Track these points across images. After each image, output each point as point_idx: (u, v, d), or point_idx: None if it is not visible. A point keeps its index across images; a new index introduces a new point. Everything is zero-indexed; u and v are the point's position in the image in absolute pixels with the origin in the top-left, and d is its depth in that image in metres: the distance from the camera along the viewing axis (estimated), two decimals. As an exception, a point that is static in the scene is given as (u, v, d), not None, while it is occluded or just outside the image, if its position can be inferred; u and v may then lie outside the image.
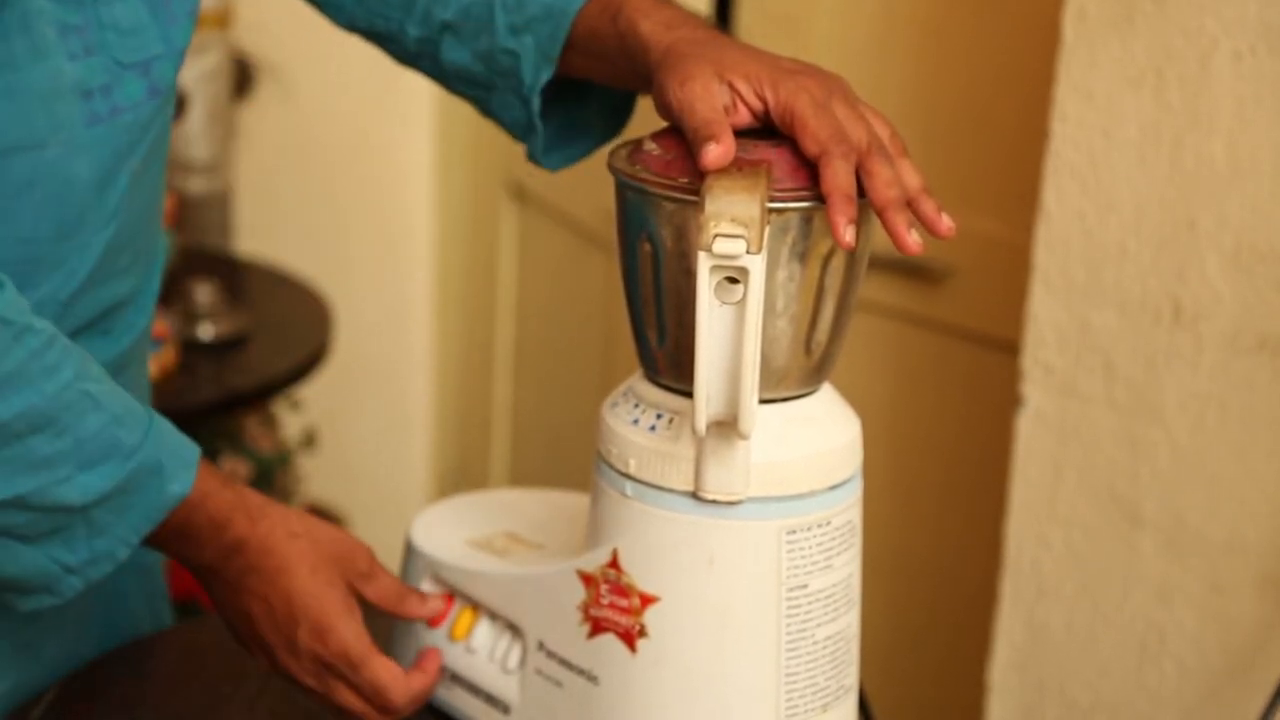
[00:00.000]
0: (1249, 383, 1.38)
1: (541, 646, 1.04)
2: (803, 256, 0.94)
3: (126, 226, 1.05)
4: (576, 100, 1.14)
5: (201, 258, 2.35)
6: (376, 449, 2.79)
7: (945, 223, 0.94)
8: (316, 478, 2.64)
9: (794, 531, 0.96)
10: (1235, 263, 1.37)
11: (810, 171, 0.93)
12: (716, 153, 0.91)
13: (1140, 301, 1.42)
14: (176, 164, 2.44)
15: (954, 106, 1.85)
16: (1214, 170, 1.36)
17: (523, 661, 1.06)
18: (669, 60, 0.97)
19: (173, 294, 2.13)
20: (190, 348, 2.09)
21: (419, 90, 2.40)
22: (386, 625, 1.13)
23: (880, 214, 0.92)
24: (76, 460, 0.95)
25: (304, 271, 2.38)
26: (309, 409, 2.55)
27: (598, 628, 1.00)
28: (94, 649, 1.19)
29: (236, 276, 2.32)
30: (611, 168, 0.97)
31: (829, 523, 0.98)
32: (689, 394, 0.92)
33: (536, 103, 1.10)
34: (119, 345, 1.11)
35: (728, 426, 0.92)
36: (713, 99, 0.94)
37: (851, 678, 1.03)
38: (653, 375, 0.99)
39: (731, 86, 0.95)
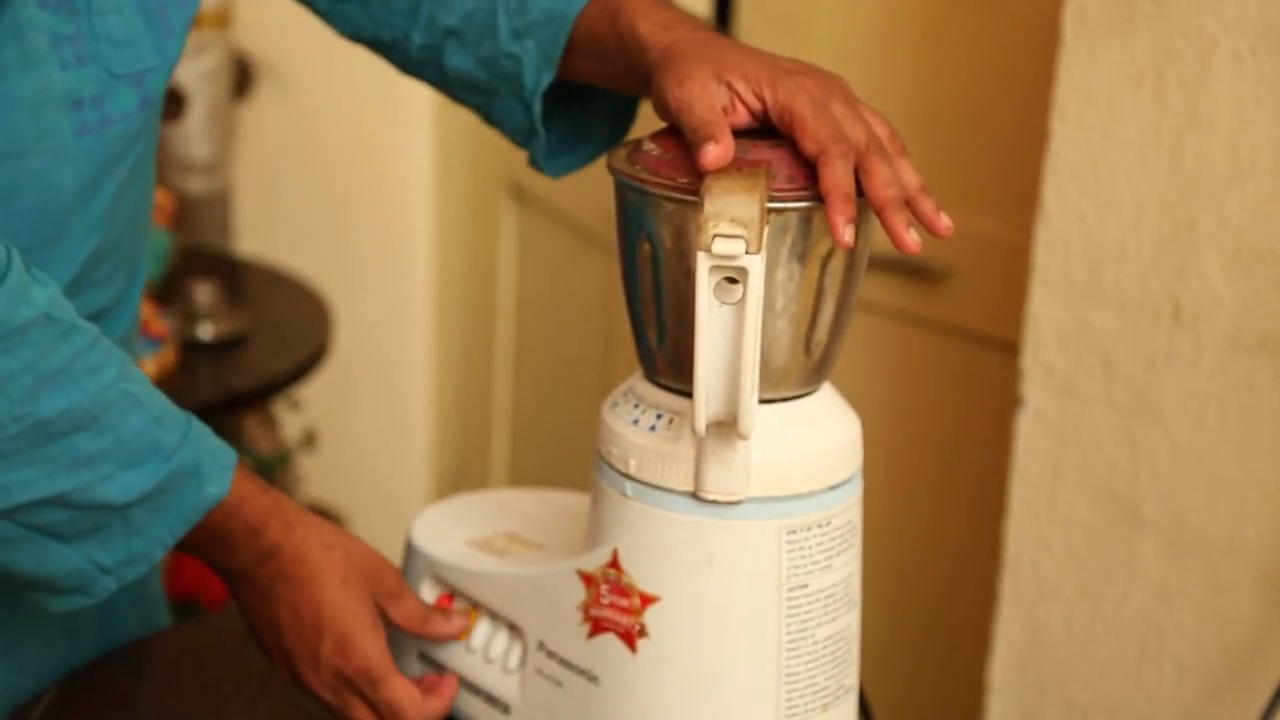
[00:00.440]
0: (1249, 383, 1.38)
1: (541, 646, 1.04)
2: (802, 256, 0.94)
3: (110, 236, 1.05)
4: (579, 106, 1.14)
5: (201, 258, 2.35)
6: (376, 449, 2.79)
7: (944, 222, 0.94)
8: (316, 478, 2.64)
9: (794, 531, 0.96)
10: (1235, 263, 1.37)
11: (810, 172, 0.92)
12: (715, 153, 0.90)
13: (1140, 301, 1.42)
14: (176, 164, 2.44)
15: (954, 106, 1.85)
16: (1214, 170, 1.36)
17: (523, 661, 1.06)
18: (667, 60, 0.97)
19: (173, 294, 2.13)
20: (190, 347, 2.09)
21: (419, 91, 2.40)
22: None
23: (879, 213, 0.92)
24: (118, 459, 0.95)
25: (304, 271, 2.38)
26: (309, 409, 2.55)
27: (598, 628, 1.00)
28: (86, 656, 1.19)
29: (236, 276, 2.32)
30: (611, 168, 0.97)
31: (829, 523, 0.98)
32: (689, 394, 0.92)
33: (538, 107, 1.10)
34: None
35: (727, 427, 0.92)
36: (711, 99, 0.94)
37: (851, 678, 1.03)
38: (653, 375, 0.99)
39: (730, 86, 0.95)
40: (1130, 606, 1.46)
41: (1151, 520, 1.44)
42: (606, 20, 1.04)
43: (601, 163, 1.01)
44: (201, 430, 1.01)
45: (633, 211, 0.96)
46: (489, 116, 1.15)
